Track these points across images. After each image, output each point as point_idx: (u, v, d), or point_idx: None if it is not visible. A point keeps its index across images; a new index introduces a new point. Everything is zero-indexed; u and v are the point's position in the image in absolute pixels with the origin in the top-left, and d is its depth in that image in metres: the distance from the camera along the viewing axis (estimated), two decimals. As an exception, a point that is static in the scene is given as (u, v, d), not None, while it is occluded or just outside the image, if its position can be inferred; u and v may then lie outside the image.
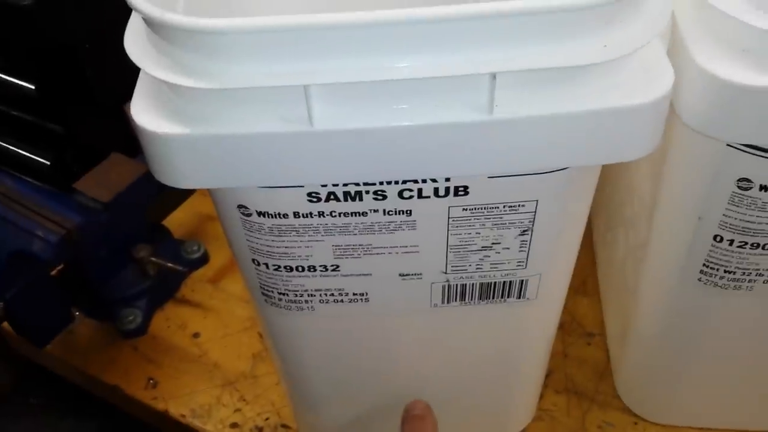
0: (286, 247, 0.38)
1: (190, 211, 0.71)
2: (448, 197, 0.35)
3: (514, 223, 0.37)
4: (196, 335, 0.64)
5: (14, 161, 0.59)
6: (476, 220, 0.36)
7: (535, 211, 0.36)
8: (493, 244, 0.38)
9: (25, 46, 0.54)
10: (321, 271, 0.39)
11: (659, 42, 0.32)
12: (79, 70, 0.54)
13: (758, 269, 0.40)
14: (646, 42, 0.29)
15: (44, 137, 0.58)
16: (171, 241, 0.68)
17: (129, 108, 0.34)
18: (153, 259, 0.63)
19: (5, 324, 0.57)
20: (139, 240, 0.63)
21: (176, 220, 0.70)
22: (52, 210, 0.57)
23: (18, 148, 0.59)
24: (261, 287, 0.41)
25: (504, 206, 0.36)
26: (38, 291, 0.58)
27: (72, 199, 0.58)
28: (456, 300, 0.41)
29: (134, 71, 0.33)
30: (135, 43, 0.32)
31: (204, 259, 0.68)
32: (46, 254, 0.54)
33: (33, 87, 0.55)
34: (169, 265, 0.64)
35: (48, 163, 0.58)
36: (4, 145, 0.59)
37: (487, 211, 0.36)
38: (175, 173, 0.33)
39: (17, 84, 0.56)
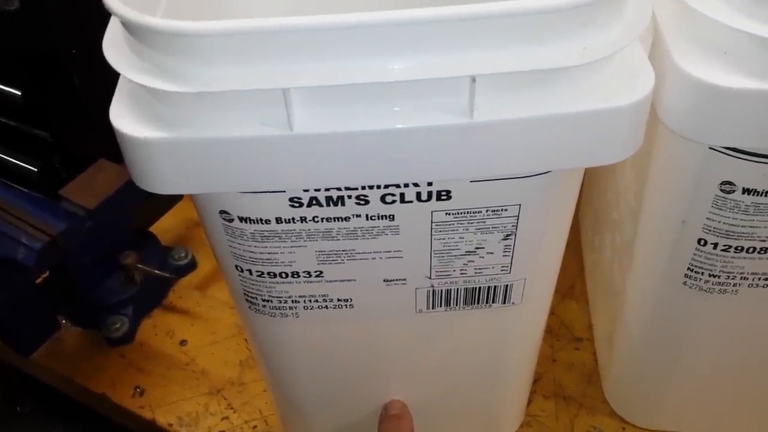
0: (269, 253, 0.38)
1: (177, 217, 0.71)
2: (430, 201, 0.35)
3: (498, 227, 0.36)
4: (183, 342, 0.63)
5: (1, 168, 0.59)
6: (459, 225, 0.36)
7: (518, 215, 0.36)
8: (476, 248, 0.37)
9: (11, 52, 0.54)
10: (305, 277, 0.39)
11: (640, 44, 0.32)
12: (65, 76, 0.54)
13: (743, 273, 0.40)
14: (625, 44, 0.29)
15: (31, 143, 0.58)
16: (158, 247, 0.67)
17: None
18: (140, 265, 0.63)
19: (-11, 332, 0.57)
20: (126, 246, 0.63)
21: (163, 226, 0.70)
22: (36, 217, 0.56)
23: (5, 155, 0.59)
24: (245, 294, 0.41)
25: (487, 210, 0.36)
26: (23, 299, 0.58)
27: (57, 206, 0.58)
28: (441, 305, 0.41)
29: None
30: (113, 46, 0.31)
31: (191, 266, 0.67)
32: (30, 261, 0.54)
33: (19, 93, 0.55)
34: (156, 272, 0.63)
35: (35, 169, 0.58)
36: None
37: (470, 216, 0.36)
38: (155, 178, 0.33)
39: (3, 90, 0.56)
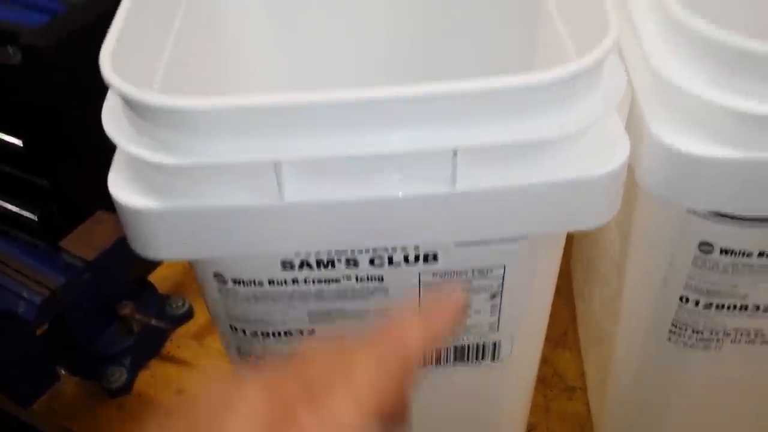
0: (262, 314, 0.39)
1: (174, 264, 0.72)
2: (418, 264, 0.36)
3: (484, 287, 0.37)
4: (181, 393, 0.64)
5: (1, 216, 0.60)
6: (447, 286, 0.37)
7: (504, 276, 0.37)
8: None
9: (13, 103, 0.55)
10: (297, 336, 0.40)
11: (616, 112, 0.33)
12: (66, 127, 0.55)
13: (725, 329, 0.40)
14: (601, 116, 0.31)
15: (31, 192, 0.59)
16: (155, 296, 0.68)
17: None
18: (137, 316, 0.63)
19: (-10, 384, 0.57)
20: (124, 296, 0.64)
21: (161, 274, 0.71)
22: (36, 270, 0.57)
23: (4, 202, 0.60)
24: (239, 351, 0.42)
25: (473, 272, 0.37)
26: (23, 351, 0.59)
27: (56, 258, 0.59)
28: (431, 363, 0.42)
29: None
30: (112, 117, 0.33)
31: (188, 315, 0.68)
32: (30, 315, 0.55)
33: (20, 142, 0.57)
34: (154, 322, 0.64)
35: (35, 216, 0.59)
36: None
37: (457, 277, 0.37)
38: (152, 245, 0.34)
39: (4, 140, 0.57)
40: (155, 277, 0.69)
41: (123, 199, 0.33)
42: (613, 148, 0.32)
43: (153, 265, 0.71)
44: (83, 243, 0.60)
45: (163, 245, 0.34)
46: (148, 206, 0.32)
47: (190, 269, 0.72)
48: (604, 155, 0.32)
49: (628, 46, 0.36)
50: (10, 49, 0.52)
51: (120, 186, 0.33)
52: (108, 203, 0.62)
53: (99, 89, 0.34)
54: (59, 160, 0.58)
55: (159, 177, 0.33)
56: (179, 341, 0.68)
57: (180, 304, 0.67)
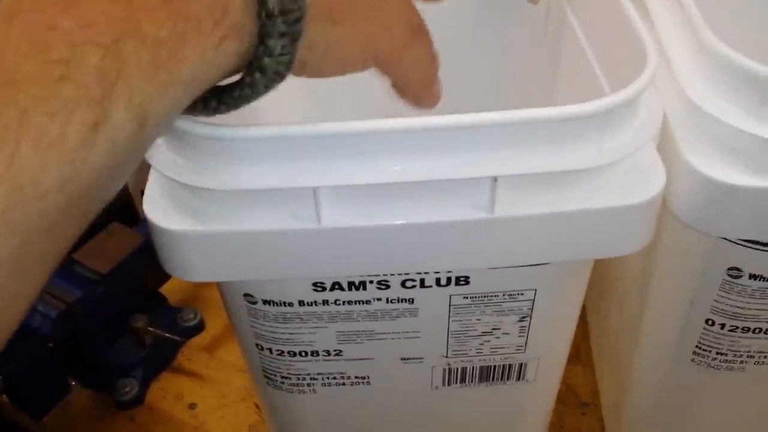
0: (290, 334, 0.39)
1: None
2: (449, 286, 0.36)
3: (514, 310, 0.38)
4: (192, 406, 0.64)
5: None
6: (477, 308, 0.37)
7: (534, 299, 0.37)
8: (492, 329, 0.39)
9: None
10: (324, 356, 0.40)
11: (651, 142, 0.34)
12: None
13: (749, 351, 0.41)
14: (639, 146, 0.31)
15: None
16: (167, 308, 0.68)
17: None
18: (150, 328, 0.63)
19: (3, 397, 0.57)
20: (136, 308, 0.64)
21: (172, 285, 0.71)
22: (51, 284, 0.57)
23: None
24: (263, 370, 0.42)
25: (504, 294, 0.37)
26: (37, 364, 0.59)
27: (70, 271, 0.58)
28: (456, 382, 0.42)
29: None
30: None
31: (200, 327, 0.68)
32: (46, 329, 0.55)
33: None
34: (166, 335, 0.64)
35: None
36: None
37: (488, 299, 0.37)
38: (187, 268, 0.34)
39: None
40: (166, 289, 0.69)
41: (159, 221, 0.32)
42: (649, 177, 0.32)
43: (165, 277, 0.71)
44: (97, 256, 0.60)
45: (198, 268, 0.34)
46: (184, 229, 0.32)
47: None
48: (639, 184, 0.32)
49: (659, 73, 0.36)
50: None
51: (156, 208, 0.33)
52: (121, 216, 0.63)
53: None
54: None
55: (196, 200, 0.33)
56: (190, 353, 0.68)
57: (191, 316, 0.67)
